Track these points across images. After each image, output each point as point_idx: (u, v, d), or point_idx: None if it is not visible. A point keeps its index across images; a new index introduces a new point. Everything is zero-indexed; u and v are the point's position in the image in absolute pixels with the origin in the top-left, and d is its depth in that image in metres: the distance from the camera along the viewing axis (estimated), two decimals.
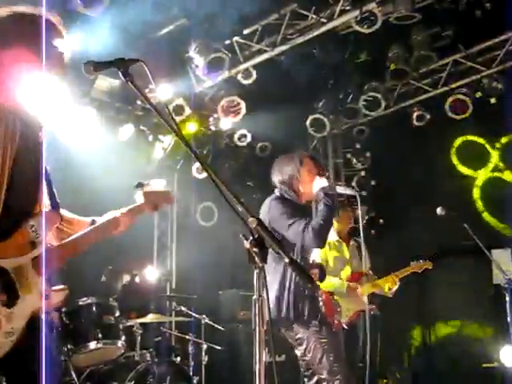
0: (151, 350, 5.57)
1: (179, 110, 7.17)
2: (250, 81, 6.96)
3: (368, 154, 8.58)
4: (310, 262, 4.21)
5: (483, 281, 7.23)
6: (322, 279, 4.19)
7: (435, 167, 8.34)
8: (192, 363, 5.92)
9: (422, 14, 6.35)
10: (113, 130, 7.12)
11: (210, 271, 7.84)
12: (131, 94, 6.82)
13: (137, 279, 6.86)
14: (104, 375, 5.29)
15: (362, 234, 4.38)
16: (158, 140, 7.77)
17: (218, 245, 8.06)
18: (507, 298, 4.76)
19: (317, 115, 7.89)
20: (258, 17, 6.46)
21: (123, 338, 5.23)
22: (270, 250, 1.97)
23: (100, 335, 5.05)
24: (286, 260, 2.03)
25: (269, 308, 1.98)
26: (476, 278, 7.62)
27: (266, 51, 6.76)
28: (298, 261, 3.87)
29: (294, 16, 6.52)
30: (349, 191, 4.41)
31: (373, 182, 8.48)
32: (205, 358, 6.07)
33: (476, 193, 8.44)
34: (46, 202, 2.32)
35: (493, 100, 7.50)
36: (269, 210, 3.93)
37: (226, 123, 7.72)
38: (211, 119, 7.92)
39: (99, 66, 2.11)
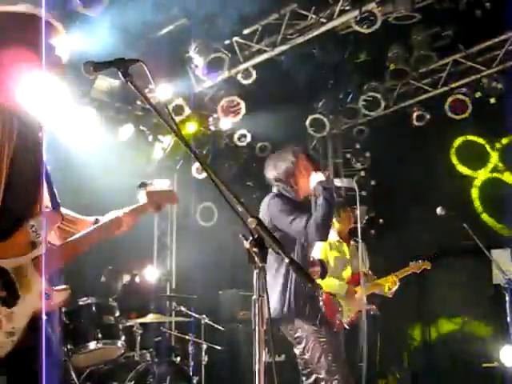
0: (151, 349, 5.57)
1: (179, 110, 7.17)
2: (249, 81, 6.96)
3: (368, 154, 8.58)
4: (311, 259, 4.21)
5: (483, 281, 7.23)
6: (323, 276, 4.19)
7: (435, 167, 8.34)
8: (192, 363, 5.93)
9: (421, 13, 6.36)
10: (113, 130, 7.12)
11: (209, 271, 7.84)
12: (131, 94, 6.82)
13: (137, 279, 6.86)
14: (104, 375, 5.30)
15: (360, 234, 4.38)
16: (157, 140, 7.77)
17: (218, 245, 8.06)
18: (507, 298, 4.76)
19: (317, 115, 7.89)
20: (257, 17, 6.46)
21: (123, 337, 5.23)
22: (271, 251, 1.98)
23: (100, 335, 5.05)
24: (286, 260, 2.04)
25: (268, 308, 1.98)
26: (476, 277, 7.62)
27: (265, 51, 6.76)
28: (300, 258, 3.88)
29: (294, 16, 6.52)
30: (346, 183, 4.42)
31: (373, 182, 8.48)
32: (205, 358, 6.07)
33: (474, 193, 8.44)
34: (46, 202, 2.32)
35: (492, 100, 7.51)
36: (268, 207, 3.93)
37: (225, 123, 7.72)
38: (211, 119, 7.92)
39: (99, 66, 2.11)
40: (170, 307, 7.11)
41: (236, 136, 8.00)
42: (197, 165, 7.86)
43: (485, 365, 6.88)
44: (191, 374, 5.73)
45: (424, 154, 8.11)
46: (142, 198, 2.66)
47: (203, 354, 6.07)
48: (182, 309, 6.49)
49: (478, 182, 8.48)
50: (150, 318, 5.70)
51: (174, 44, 6.59)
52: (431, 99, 7.92)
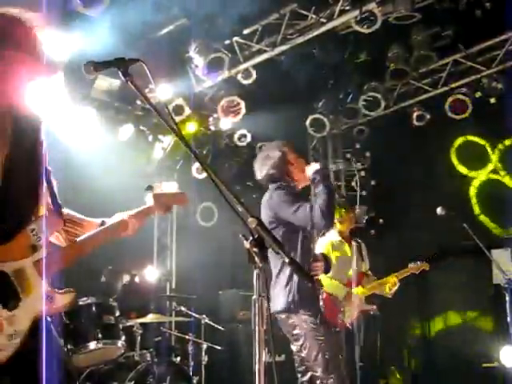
0: (151, 349, 5.57)
1: (179, 109, 7.17)
2: (249, 81, 6.96)
3: (368, 154, 8.57)
4: (314, 254, 4.21)
5: (483, 281, 7.24)
6: (327, 271, 4.17)
7: (435, 167, 8.34)
8: (192, 363, 5.93)
9: (421, 13, 6.35)
10: (113, 130, 7.12)
11: (209, 271, 7.84)
12: (131, 94, 6.82)
13: (137, 279, 6.87)
14: (104, 375, 5.30)
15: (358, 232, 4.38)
16: (157, 140, 7.77)
17: (218, 245, 8.06)
18: (507, 298, 4.76)
19: (317, 115, 7.89)
20: (258, 17, 6.46)
21: (123, 338, 5.24)
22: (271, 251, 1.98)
23: (100, 335, 5.06)
24: (286, 260, 2.04)
25: (268, 308, 1.98)
26: (476, 277, 7.62)
27: (265, 51, 6.76)
28: (303, 250, 3.90)
29: (294, 16, 6.52)
30: (342, 166, 4.44)
31: (373, 182, 8.47)
32: (205, 358, 6.08)
33: (472, 193, 8.44)
34: (48, 205, 2.31)
35: (493, 100, 7.51)
36: (271, 200, 3.95)
37: (225, 123, 7.72)
38: (211, 119, 7.92)
39: (99, 65, 2.10)
40: (170, 307, 7.12)
41: (236, 136, 8.00)
42: (197, 165, 7.86)
43: (485, 365, 6.88)
44: (191, 374, 5.73)
45: (424, 153, 8.12)
46: (148, 200, 2.64)
47: (203, 354, 6.07)
48: (182, 309, 6.49)
49: (476, 183, 8.48)
50: (150, 318, 5.71)
51: (174, 44, 6.59)
52: (431, 99, 7.92)
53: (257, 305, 1.95)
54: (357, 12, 6.14)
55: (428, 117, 7.91)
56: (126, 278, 6.62)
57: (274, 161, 4.07)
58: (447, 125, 7.86)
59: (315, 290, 3.98)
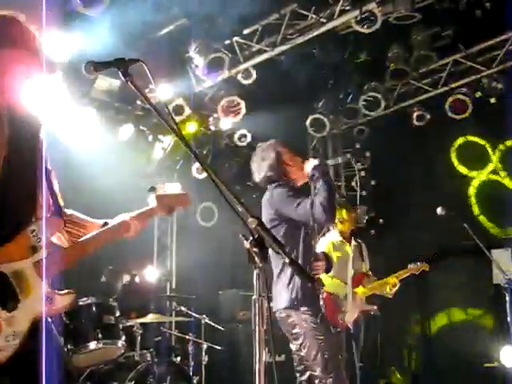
0: (151, 349, 5.57)
1: (179, 109, 7.16)
2: (249, 81, 6.96)
3: (368, 154, 8.57)
4: (316, 253, 4.21)
5: (483, 281, 7.24)
6: (328, 271, 4.17)
7: (435, 167, 8.34)
8: (192, 363, 5.93)
9: (421, 13, 6.35)
10: (113, 130, 7.12)
11: (209, 271, 7.85)
12: (131, 94, 6.82)
13: (137, 279, 6.86)
14: (104, 375, 5.30)
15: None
16: (157, 140, 7.77)
17: (218, 245, 8.06)
18: (507, 298, 4.76)
19: (317, 115, 7.89)
20: (258, 17, 6.45)
21: (123, 338, 5.23)
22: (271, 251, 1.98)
23: (100, 335, 5.06)
24: (287, 260, 2.04)
25: (269, 308, 1.98)
26: (476, 277, 7.62)
27: (265, 51, 6.76)
28: (305, 246, 3.91)
29: (294, 16, 6.52)
30: (340, 159, 4.43)
31: (373, 182, 8.47)
32: (205, 358, 6.08)
33: (472, 193, 8.44)
34: (49, 206, 2.31)
35: (493, 100, 7.51)
36: (272, 198, 3.95)
37: (225, 123, 7.72)
38: (211, 119, 7.92)
39: (99, 66, 2.10)
40: (170, 307, 7.12)
41: (236, 136, 8.00)
42: (197, 165, 7.85)
43: (485, 365, 6.88)
44: (191, 374, 5.73)
45: (424, 153, 8.12)
46: (151, 201, 2.63)
47: (203, 354, 6.07)
48: (182, 309, 6.49)
49: (476, 182, 8.48)
50: (150, 318, 5.71)
51: (174, 44, 6.59)
52: (431, 99, 7.92)
53: (257, 305, 1.95)
54: (357, 12, 6.14)
55: (428, 117, 7.91)
56: (126, 278, 6.62)
57: (270, 163, 4.07)
58: (447, 125, 7.86)
59: (315, 289, 3.98)
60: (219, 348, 6.33)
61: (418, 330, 8.73)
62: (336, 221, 5.68)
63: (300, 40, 6.60)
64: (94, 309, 5.17)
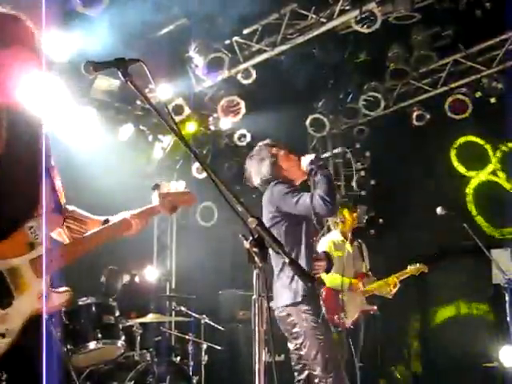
0: (151, 349, 5.56)
1: (179, 109, 7.16)
2: (249, 81, 6.96)
3: (368, 154, 8.58)
4: (316, 253, 4.21)
5: (483, 281, 7.24)
6: (328, 270, 4.17)
7: (435, 167, 8.34)
8: (192, 363, 5.93)
9: (421, 13, 6.36)
10: (113, 130, 7.12)
11: (209, 271, 7.84)
12: (131, 94, 6.82)
13: (137, 279, 6.86)
14: (104, 375, 5.30)
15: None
16: (157, 140, 7.77)
17: (218, 245, 8.06)
18: (507, 298, 4.76)
19: (317, 115, 7.89)
20: (257, 17, 6.46)
21: (123, 337, 5.23)
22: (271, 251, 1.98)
23: (100, 335, 5.06)
24: (286, 260, 2.03)
25: (268, 308, 1.98)
26: (476, 277, 7.62)
27: (265, 51, 6.76)
28: (306, 244, 3.91)
29: (294, 16, 6.52)
30: (336, 151, 4.43)
31: (373, 182, 8.48)
32: (204, 358, 6.08)
33: (469, 193, 8.44)
34: (49, 204, 2.30)
35: (493, 100, 7.51)
36: (273, 195, 3.95)
37: (225, 123, 7.72)
38: (211, 119, 7.92)
39: (99, 65, 2.10)
40: (170, 307, 7.11)
41: (236, 136, 7.99)
42: (197, 165, 7.85)
43: (485, 365, 6.88)
44: (191, 373, 5.73)
45: (424, 154, 8.11)
46: (154, 199, 2.61)
47: (203, 353, 6.07)
48: (182, 309, 6.49)
49: (475, 182, 8.47)
50: (149, 317, 5.70)
51: (174, 44, 6.59)
52: (431, 99, 7.92)
53: (257, 305, 1.94)
54: (357, 12, 6.14)
55: (428, 117, 7.91)
56: (126, 278, 6.61)
57: (266, 168, 4.06)
58: (447, 125, 7.86)
59: (315, 289, 3.97)
60: (219, 348, 6.33)
61: (418, 330, 8.72)
62: (337, 220, 5.68)
63: (300, 40, 6.60)
64: (93, 309, 5.18)
